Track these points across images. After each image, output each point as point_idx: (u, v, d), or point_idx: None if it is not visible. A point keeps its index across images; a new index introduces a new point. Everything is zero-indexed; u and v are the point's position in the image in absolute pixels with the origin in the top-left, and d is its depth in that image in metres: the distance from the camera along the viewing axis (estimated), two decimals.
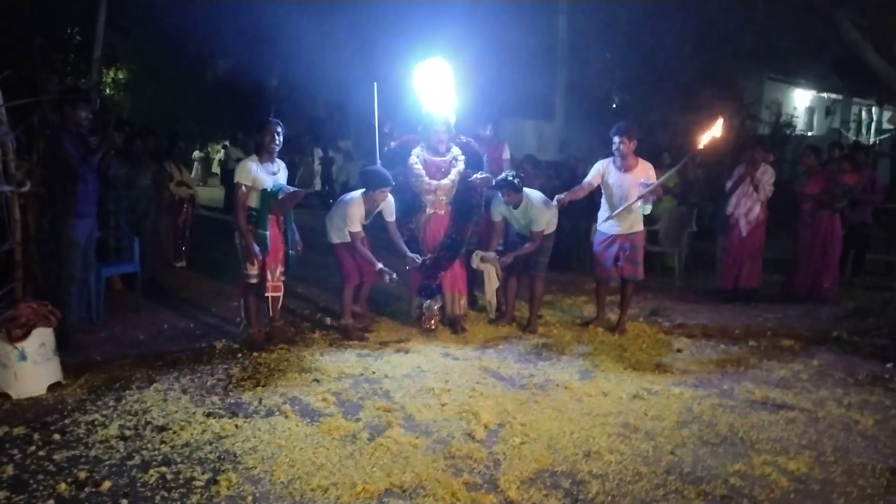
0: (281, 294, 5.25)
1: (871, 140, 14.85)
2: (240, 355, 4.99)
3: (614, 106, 14.61)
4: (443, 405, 4.08)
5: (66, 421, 3.75)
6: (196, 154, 21.00)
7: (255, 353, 4.99)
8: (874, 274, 8.16)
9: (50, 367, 4.20)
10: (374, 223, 5.63)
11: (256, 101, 18.45)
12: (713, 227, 8.39)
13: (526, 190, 5.60)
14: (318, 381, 4.48)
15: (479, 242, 5.96)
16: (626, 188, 5.59)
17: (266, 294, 5.14)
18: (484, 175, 5.73)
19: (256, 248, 4.90)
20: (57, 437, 3.55)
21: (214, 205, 13.90)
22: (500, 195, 5.58)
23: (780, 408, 4.14)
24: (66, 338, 4.72)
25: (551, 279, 6.68)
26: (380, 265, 5.34)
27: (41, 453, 3.37)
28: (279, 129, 4.99)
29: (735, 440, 3.67)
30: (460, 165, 5.71)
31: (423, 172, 5.65)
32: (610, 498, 3.04)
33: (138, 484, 3.10)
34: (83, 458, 3.32)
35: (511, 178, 5.48)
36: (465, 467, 3.31)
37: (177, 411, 3.91)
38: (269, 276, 5.10)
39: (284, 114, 16.57)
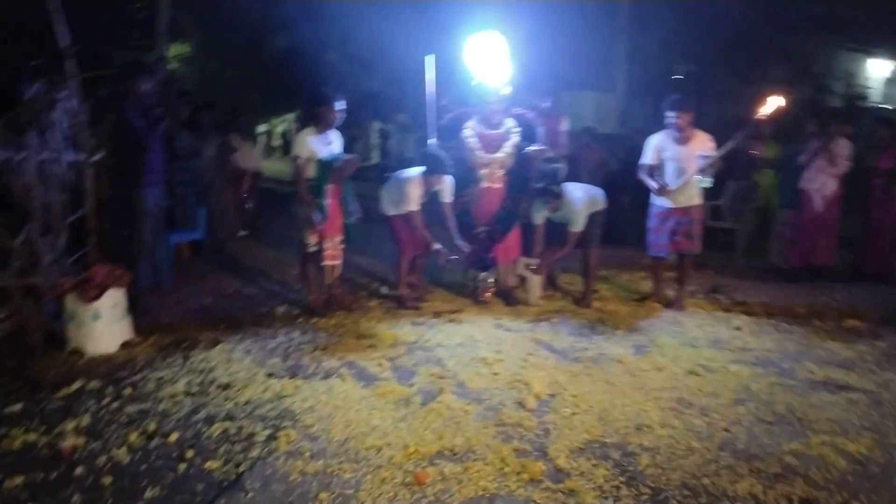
0: (339, 262, 5.38)
1: None
2: (299, 321, 5.15)
3: (677, 78, 14.16)
4: (495, 374, 4.13)
5: (137, 377, 3.97)
6: (259, 127, 21.47)
7: (314, 319, 5.14)
8: None
9: (122, 327, 4.44)
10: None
11: (315, 76, 18.68)
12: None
13: (568, 188, 5.52)
14: (373, 346, 4.60)
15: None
16: (683, 161, 5.46)
17: (324, 262, 5.27)
18: (539, 148, 5.70)
19: (316, 217, 5.02)
20: (128, 391, 3.77)
21: (276, 177, 14.24)
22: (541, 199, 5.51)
23: (842, 389, 4.02)
24: (137, 301, 4.95)
25: (608, 255, 6.61)
26: (437, 245, 5.40)
27: (114, 405, 3.58)
28: (341, 103, 5.06)
29: (792, 419, 3.59)
30: (515, 138, 5.68)
31: (478, 146, 5.65)
32: (660, 471, 3.04)
33: (203, 437, 3.27)
34: (152, 412, 3.52)
35: (552, 188, 5.40)
36: (515, 434, 3.36)
37: (240, 371, 4.08)
38: (327, 245, 5.23)
39: (343, 88, 16.74)
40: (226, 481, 2.88)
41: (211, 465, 3.00)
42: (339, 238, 5.31)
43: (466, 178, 5.73)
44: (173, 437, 3.24)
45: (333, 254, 5.30)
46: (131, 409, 3.55)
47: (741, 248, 7.88)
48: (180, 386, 3.84)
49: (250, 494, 2.78)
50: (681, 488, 2.90)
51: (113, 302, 4.35)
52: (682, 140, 5.42)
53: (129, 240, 5.08)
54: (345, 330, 4.93)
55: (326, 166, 5.02)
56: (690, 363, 4.39)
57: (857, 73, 14.86)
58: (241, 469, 2.98)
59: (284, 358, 4.35)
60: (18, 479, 2.83)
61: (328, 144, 5.09)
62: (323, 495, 2.76)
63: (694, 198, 5.59)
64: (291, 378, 4.00)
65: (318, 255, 5.25)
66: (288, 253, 7.13)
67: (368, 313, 5.38)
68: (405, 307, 5.52)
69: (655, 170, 5.63)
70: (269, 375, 4.03)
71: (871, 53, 15.27)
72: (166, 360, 4.23)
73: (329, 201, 5.11)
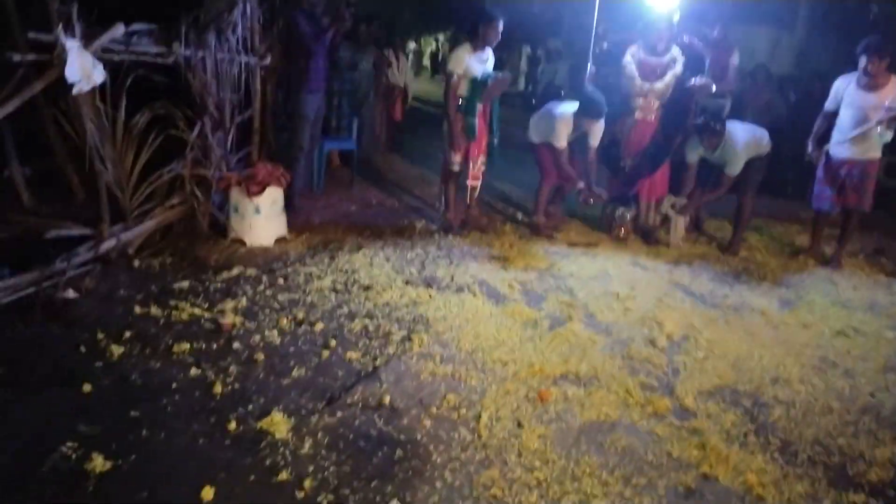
0: (479, 183, 5.45)
1: None
2: (436, 236, 5.32)
3: (871, 17, 12.58)
4: (626, 310, 4.09)
5: (289, 270, 4.30)
6: (411, 46, 21.64)
7: (451, 236, 5.28)
8: None
9: (278, 223, 4.80)
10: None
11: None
12: None
13: (730, 127, 5.13)
14: (505, 269, 4.67)
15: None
16: (866, 109, 4.93)
17: (466, 182, 5.36)
18: (704, 81, 5.36)
19: (463, 137, 5.08)
20: (281, 281, 4.10)
21: (423, 97, 14.42)
22: (697, 137, 5.17)
23: None
24: (292, 201, 5.31)
25: (763, 204, 6.21)
26: (581, 182, 5.32)
27: (268, 293, 3.93)
28: (501, 24, 5.01)
29: None
30: (678, 68, 5.37)
31: (637, 74, 5.39)
32: (793, 424, 2.93)
33: (345, 330, 3.52)
34: (301, 302, 3.83)
35: (713, 124, 5.03)
36: (642, 369, 3.34)
37: (380, 275, 4.32)
38: (471, 166, 5.30)
39: (498, 7, 16.44)
40: (363, 371, 3.11)
41: (351, 355, 3.25)
42: (482, 159, 5.36)
43: (620, 107, 5.53)
44: (319, 326, 3.52)
45: (476, 174, 5.37)
46: (283, 297, 3.87)
47: None
48: (326, 282, 4.12)
49: (384, 386, 2.99)
50: (813, 444, 2.79)
51: (272, 199, 4.69)
52: (871, 87, 4.88)
53: (289, 142, 5.40)
54: (479, 250, 5.04)
55: (479, 85, 5.02)
56: (841, 324, 4.12)
57: None
58: (377, 363, 3.20)
59: (420, 269, 4.53)
60: (185, 346, 3.20)
61: (483, 62, 5.07)
62: (451, 396, 2.92)
63: (871, 150, 5.07)
64: (426, 287, 4.17)
65: (460, 174, 5.34)
66: (429, 171, 7.33)
67: (503, 237, 5.44)
68: (540, 234, 5.52)
69: (835, 116, 5.14)
70: (406, 283, 4.22)
71: None
72: (315, 258, 4.54)
73: (478, 120, 5.14)
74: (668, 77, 5.34)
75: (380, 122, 7.97)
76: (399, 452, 2.52)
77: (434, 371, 3.14)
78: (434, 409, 2.83)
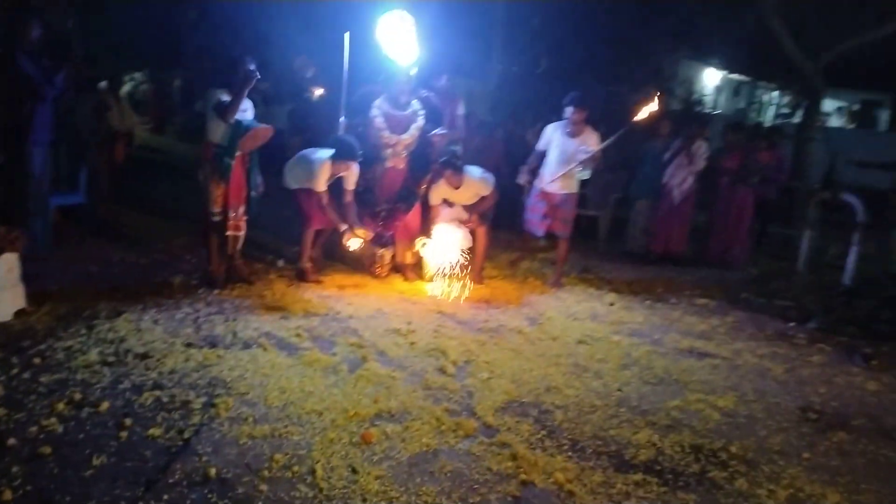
0: (242, 233, 5.32)
1: (771, 122, 16.10)
2: (200, 291, 5.06)
3: (540, 71, 14.97)
4: (411, 343, 4.37)
5: (42, 346, 3.76)
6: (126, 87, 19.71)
7: (217, 291, 5.07)
8: (774, 245, 9.04)
9: (16, 293, 4.15)
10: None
11: (172, 35, 17.51)
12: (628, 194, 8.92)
13: (467, 168, 5.81)
14: (286, 318, 4.65)
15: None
16: (569, 153, 5.98)
17: (227, 233, 5.20)
18: (443, 132, 5.96)
19: (220, 185, 4.96)
20: (37, 360, 3.57)
21: (153, 144, 13.41)
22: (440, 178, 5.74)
23: (705, 356, 4.70)
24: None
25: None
26: (344, 226, 5.52)
27: (25, 375, 3.40)
28: (253, 68, 4.98)
29: (670, 381, 4.18)
30: (420, 121, 5.89)
31: (384, 126, 5.79)
32: (573, 425, 3.46)
33: (136, 405, 3.22)
34: (71, 381, 3.39)
35: (455, 162, 5.69)
36: (442, 397, 3.63)
37: (154, 341, 3.99)
38: (231, 215, 5.16)
39: (200, 49, 15.90)
40: (173, 447, 2.89)
41: (154, 431, 2.99)
42: (242, 209, 5.26)
43: (370, 156, 5.87)
44: (104, 405, 3.16)
45: (237, 224, 5.25)
46: (46, 378, 3.38)
47: (603, 234, 8.67)
48: (93, 356, 3.69)
49: (204, 458, 2.82)
50: (593, 439, 3.33)
51: (7, 266, 4.05)
52: (573, 133, 5.94)
53: (19, 201, 4.70)
54: (252, 302, 4.93)
55: (236, 133, 4.94)
56: (578, 333, 4.91)
57: (695, 81, 16.59)
58: (185, 435, 2.99)
59: (196, 329, 4.29)
60: None
61: (243, 111, 5.00)
62: (278, 456, 2.87)
63: (572, 186, 6.15)
64: (211, 348, 3.98)
65: (221, 224, 5.17)
66: (163, 220, 6.91)
67: (271, 286, 5.38)
68: (307, 280, 5.58)
69: (544, 156, 6.15)
70: (188, 345, 3.98)
71: (708, 63, 17.07)
72: (69, 330, 4.02)
73: (234, 170, 5.04)
74: (413, 129, 5.84)
75: (103, 172, 7.25)
76: None
77: (251, 433, 3.05)
78: (266, 473, 2.76)
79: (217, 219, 5.12)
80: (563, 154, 6.00)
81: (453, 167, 5.65)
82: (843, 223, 6.84)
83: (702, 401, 3.88)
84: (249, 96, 5.07)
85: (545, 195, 6.14)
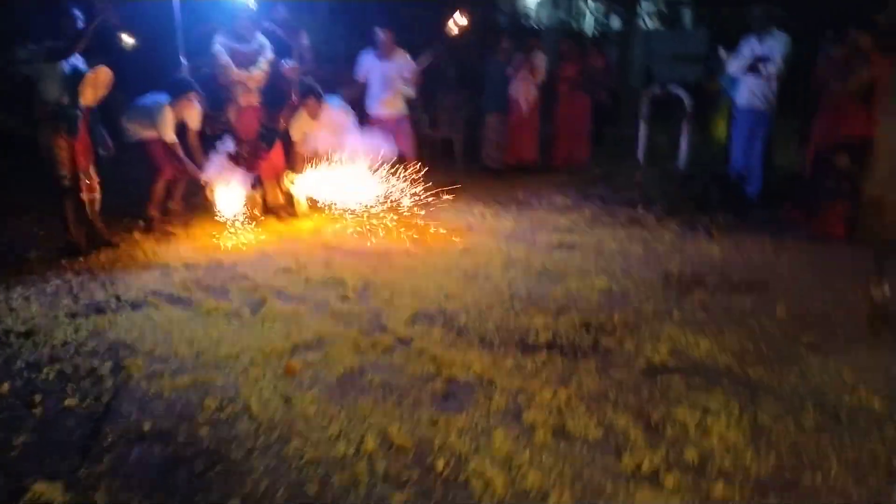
0: (97, 195, 4.99)
1: (591, 30, 17.01)
2: (63, 261, 4.73)
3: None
4: (305, 280, 4.42)
5: None
6: None
7: (81, 258, 4.77)
8: (610, 144, 9.81)
9: None
10: None
11: None
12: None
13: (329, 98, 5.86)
14: (166, 274, 4.50)
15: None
16: (388, 75, 6.23)
17: (82, 195, 4.85)
18: (293, 65, 5.83)
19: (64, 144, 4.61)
20: None
21: None
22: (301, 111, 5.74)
23: (573, 247, 5.17)
24: None
25: None
26: (202, 175, 5.35)
27: None
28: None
29: (550, 273, 4.58)
30: (269, 54, 5.72)
31: (231, 62, 5.56)
32: (477, 323, 3.74)
33: (38, 381, 3.06)
34: None
35: (317, 91, 5.68)
36: (352, 320, 3.77)
37: (34, 317, 3.75)
38: (82, 178, 4.81)
39: None
40: (96, 413, 2.82)
41: (69, 402, 2.88)
42: (93, 169, 4.91)
43: (221, 97, 5.65)
44: (5, 387, 2.98)
45: (91, 186, 4.90)
46: None
47: (459, 153, 8.96)
48: None
49: (132, 417, 2.78)
50: (497, 331, 3.64)
51: None
52: (385, 56, 6.17)
53: None
54: (124, 263, 4.71)
55: (74, 81, 4.56)
56: (460, 246, 5.18)
57: None
58: (104, 399, 2.92)
59: (74, 299, 4.06)
60: None
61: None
62: (207, 401, 2.89)
63: (400, 107, 6.39)
64: (99, 314, 3.81)
65: (73, 188, 4.80)
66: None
67: (139, 245, 5.13)
68: (153, 231, 5.39)
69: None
70: (73, 316, 3.77)
71: None
72: None
73: (80, 131, 4.68)
74: (263, 64, 5.66)
75: None
76: (201, 464, 2.48)
77: (173, 386, 3.03)
78: (201, 418, 2.78)
79: (67, 183, 4.74)
80: (383, 77, 6.20)
81: (315, 94, 5.62)
82: (669, 116, 7.60)
83: (580, 285, 4.32)
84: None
85: (378, 121, 6.29)
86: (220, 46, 5.53)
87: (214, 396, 2.94)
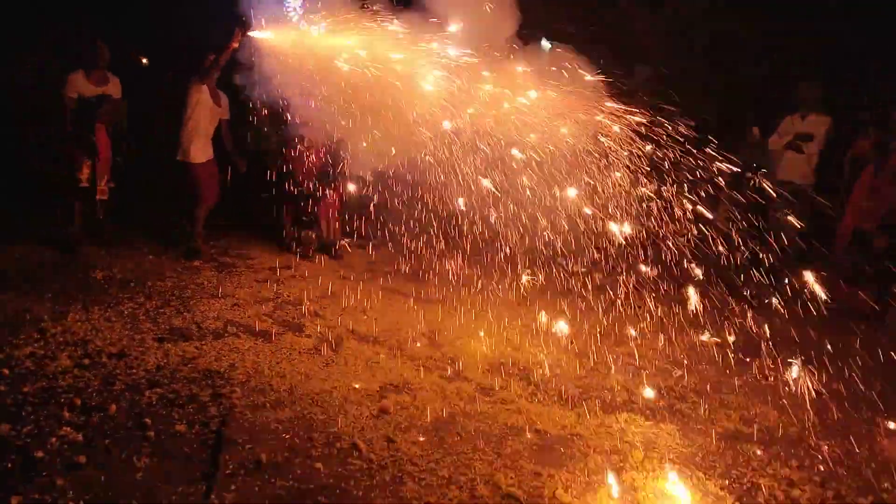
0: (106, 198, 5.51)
1: None
2: (112, 268, 4.84)
3: None
4: (375, 319, 4.54)
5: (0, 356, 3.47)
6: None
7: (150, 283, 4.86)
8: None
9: None
10: None
11: None
12: None
13: None
14: (238, 305, 4.60)
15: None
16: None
17: (98, 197, 5.42)
18: None
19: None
20: (5, 371, 3.30)
21: None
22: None
23: None
24: None
25: None
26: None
27: (1, 388, 3.15)
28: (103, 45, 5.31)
29: None
30: None
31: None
32: (551, 378, 3.87)
33: (143, 404, 3.13)
34: (60, 389, 3.19)
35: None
36: (430, 365, 3.89)
37: (122, 339, 3.82)
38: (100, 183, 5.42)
39: None
40: (208, 440, 2.89)
41: (179, 428, 2.96)
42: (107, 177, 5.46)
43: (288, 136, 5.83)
44: (112, 408, 3.05)
45: (103, 189, 5.45)
46: (29, 388, 3.15)
47: None
48: (64, 361, 3.47)
49: (248, 446, 2.86)
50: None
51: None
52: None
53: None
54: (193, 290, 4.80)
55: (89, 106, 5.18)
56: None
57: None
58: (213, 427, 3.00)
59: (154, 322, 4.14)
60: None
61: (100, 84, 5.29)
62: (315, 436, 2.98)
63: None
64: (186, 340, 3.89)
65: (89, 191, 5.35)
66: None
67: (199, 273, 5.23)
68: (196, 259, 5.52)
69: None
70: (160, 340, 3.85)
71: None
72: (20, 336, 3.71)
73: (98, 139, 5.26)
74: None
75: None
76: (324, 499, 2.56)
77: (277, 418, 3.12)
78: (314, 452, 2.87)
79: (85, 185, 5.35)
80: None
81: None
82: None
83: None
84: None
85: None
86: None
87: (319, 431, 3.03)
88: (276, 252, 5.98)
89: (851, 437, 3.37)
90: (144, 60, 7.88)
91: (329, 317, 4.53)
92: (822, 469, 3.08)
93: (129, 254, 5.42)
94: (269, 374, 3.55)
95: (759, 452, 3.18)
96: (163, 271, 5.12)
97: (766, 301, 5.39)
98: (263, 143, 6.13)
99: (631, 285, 5.37)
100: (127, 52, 6.42)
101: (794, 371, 4.16)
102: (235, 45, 5.09)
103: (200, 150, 5.52)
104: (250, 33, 5.04)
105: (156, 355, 3.66)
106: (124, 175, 5.65)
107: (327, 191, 5.97)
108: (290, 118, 5.72)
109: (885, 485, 2.99)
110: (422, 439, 3.06)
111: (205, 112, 5.46)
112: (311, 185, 5.92)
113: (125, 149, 5.54)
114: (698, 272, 5.18)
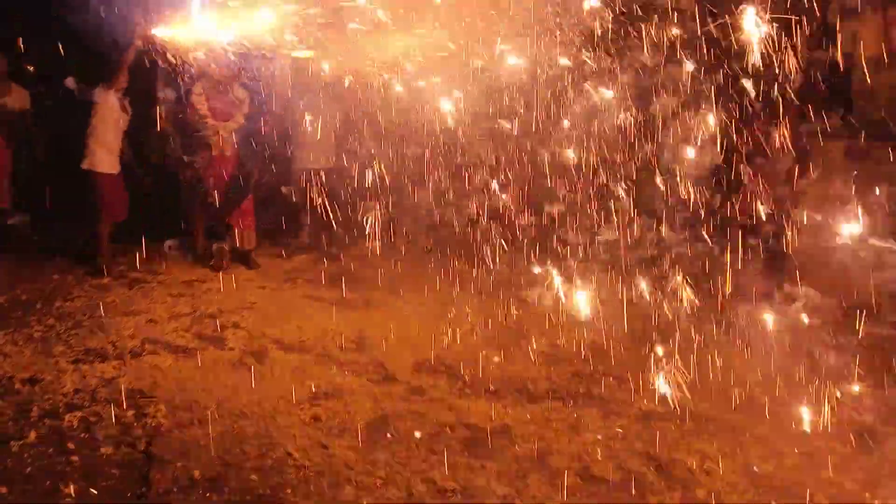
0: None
1: None
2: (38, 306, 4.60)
3: None
4: (299, 327, 4.53)
5: None
6: None
7: (58, 304, 4.65)
8: None
9: None
10: None
11: None
12: None
13: None
14: (153, 322, 4.48)
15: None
16: None
17: None
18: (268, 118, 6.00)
19: None
20: None
21: None
22: None
23: None
24: None
25: None
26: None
27: None
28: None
29: None
30: (245, 108, 5.83)
31: (209, 113, 5.65)
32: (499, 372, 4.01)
33: (64, 428, 3.03)
34: None
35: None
36: (359, 370, 3.93)
37: (34, 363, 3.66)
38: None
39: None
40: (137, 461, 2.84)
41: (105, 450, 2.88)
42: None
43: (194, 145, 5.72)
44: (32, 435, 2.93)
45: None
46: None
47: None
48: None
49: (179, 464, 2.82)
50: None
51: None
52: None
53: None
54: (103, 310, 4.62)
55: None
56: None
57: None
58: (140, 447, 2.94)
59: (67, 344, 3.98)
60: None
61: None
62: (247, 448, 2.98)
63: None
64: (102, 360, 3.77)
65: None
66: None
67: (109, 292, 5.03)
68: (101, 276, 5.30)
69: None
70: (75, 362, 3.72)
71: None
72: None
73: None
74: (238, 116, 5.76)
75: None
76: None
77: (207, 433, 3.09)
78: (248, 464, 2.87)
79: None
80: None
81: None
82: None
83: None
84: None
85: None
86: (198, 96, 5.61)
87: (251, 444, 3.03)
88: (189, 265, 5.82)
89: None
90: (31, 68, 7.51)
91: (251, 328, 4.48)
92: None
93: (33, 275, 5.15)
94: (194, 390, 3.50)
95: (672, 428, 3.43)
96: (70, 291, 4.90)
97: None
98: (169, 150, 5.99)
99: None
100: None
101: None
102: (138, 43, 4.97)
103: (106, 160, 5.30)
104: (152, 31, 4.96)
105: (72, 378, 3.53)
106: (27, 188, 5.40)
107: (240, 198, 5.87)
108: (196, 123, 5.62)
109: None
110: (356, 443, 3.11)
111: (112, 119, 5.25)
112: (222, 194, 5.81)
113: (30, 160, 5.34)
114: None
